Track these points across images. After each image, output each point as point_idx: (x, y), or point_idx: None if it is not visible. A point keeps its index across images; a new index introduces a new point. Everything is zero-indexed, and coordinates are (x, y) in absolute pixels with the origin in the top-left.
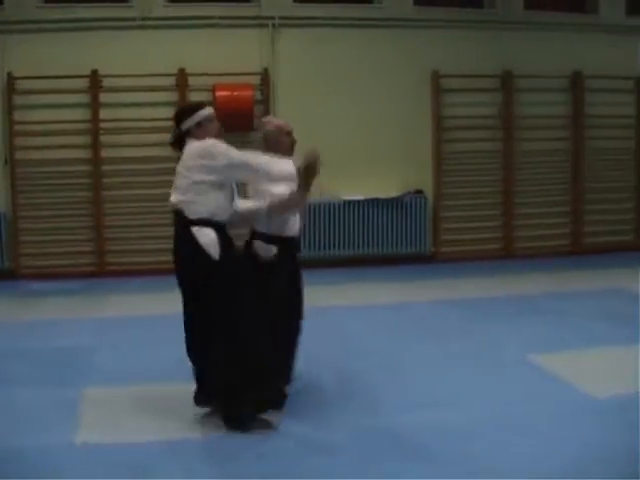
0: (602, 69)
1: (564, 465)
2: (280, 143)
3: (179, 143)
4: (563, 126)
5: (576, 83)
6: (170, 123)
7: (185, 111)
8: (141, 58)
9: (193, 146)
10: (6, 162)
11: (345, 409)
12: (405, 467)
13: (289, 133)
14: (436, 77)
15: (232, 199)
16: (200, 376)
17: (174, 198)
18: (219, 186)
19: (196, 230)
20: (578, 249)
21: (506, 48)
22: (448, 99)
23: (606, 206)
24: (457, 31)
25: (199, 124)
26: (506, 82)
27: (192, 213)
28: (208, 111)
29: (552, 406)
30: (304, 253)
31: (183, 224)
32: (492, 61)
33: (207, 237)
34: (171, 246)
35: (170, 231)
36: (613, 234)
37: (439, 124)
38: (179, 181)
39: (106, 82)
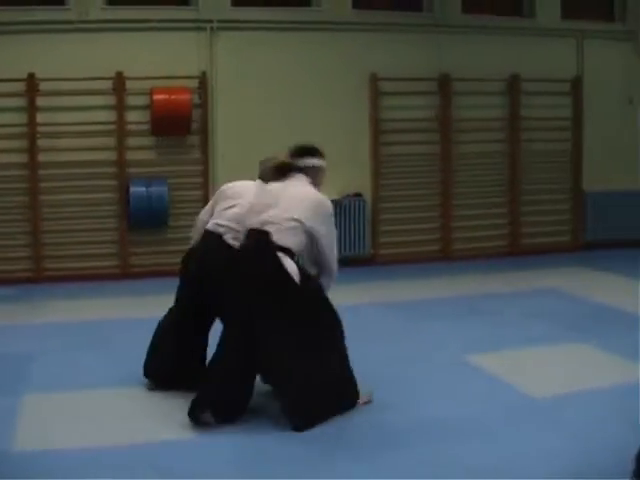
0: (539, 72)
1: (501, 464)
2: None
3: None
4: (500, 129)
5: (513, 86)
6: (107, 127)
7: (314, 151)
8: (78, 61)
9: (310, 191)
10: None
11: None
12: (345, 467)
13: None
14: (374, 80)
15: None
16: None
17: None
18: (306, 235)
19: (282, 256)
20: (516, 250)
21: (444, 51)
22: (386, 102)
23: (543, 207)
24: (395, 34)
25: (319, 170)
26: (444, 85)
27: (281, 241)
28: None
29: (490, 406)
30: None
31: (268, 247)
32: (430, 64)
33: (291, 265)
34: (109, 250)
35: (107, 235)
36: (550, 235)
37: (377, 127)
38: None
39: (43, 86)
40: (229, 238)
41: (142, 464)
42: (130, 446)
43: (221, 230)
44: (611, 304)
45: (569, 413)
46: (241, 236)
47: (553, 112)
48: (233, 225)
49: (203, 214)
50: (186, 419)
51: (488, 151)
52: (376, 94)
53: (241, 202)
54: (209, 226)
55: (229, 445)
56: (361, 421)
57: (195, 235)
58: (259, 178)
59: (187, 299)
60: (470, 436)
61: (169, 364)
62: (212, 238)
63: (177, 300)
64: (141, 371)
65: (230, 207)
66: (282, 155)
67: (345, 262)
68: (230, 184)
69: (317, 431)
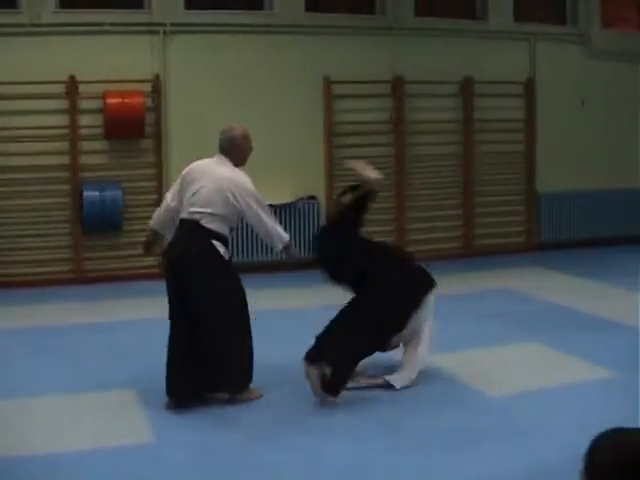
0: (492, 74)
1: (453, 465)
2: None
3: None
4: (454, 131)
5: (466, 88)
6: (59, 131)
7: None
8: (30, 65)
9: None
10: None
11: (239, 421)
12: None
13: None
14: (327, 83)
15: None
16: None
17: None
18: None
19: None
20: (470, 251)
21: (397, 54)
22: (340, 105)
23: (497, 209)
24: (348, 37)
25: None
26: (397, 88)
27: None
28: None
29: (447, 405)
30: None
31: None
32: (383, 67)
33: None
34: (62, 255)
35: (61, 240)
36: (504, 236)
37: (331, 130)
38: None
39: None
40: (205, 222)
41: (102, 469)
42: (89, 451)
43: (196, 217)
44: (563, 304)
45: (523, 413)
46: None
47: (506, 114)
48: (207, 210)
49: (170, 198)
50: (145, 423)
51: (442, 153)
52: (329, 97)
53: (206, 182)
54: (183, 215)
55: (187, 449)
56: (318, 422)
57: (155, 217)
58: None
59: (175, 295)
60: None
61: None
62: (188, 225)
63: (170, 302)
64: (94, 376)
65: (197, 191)
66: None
67: (298, 265)
68: (192, 165)
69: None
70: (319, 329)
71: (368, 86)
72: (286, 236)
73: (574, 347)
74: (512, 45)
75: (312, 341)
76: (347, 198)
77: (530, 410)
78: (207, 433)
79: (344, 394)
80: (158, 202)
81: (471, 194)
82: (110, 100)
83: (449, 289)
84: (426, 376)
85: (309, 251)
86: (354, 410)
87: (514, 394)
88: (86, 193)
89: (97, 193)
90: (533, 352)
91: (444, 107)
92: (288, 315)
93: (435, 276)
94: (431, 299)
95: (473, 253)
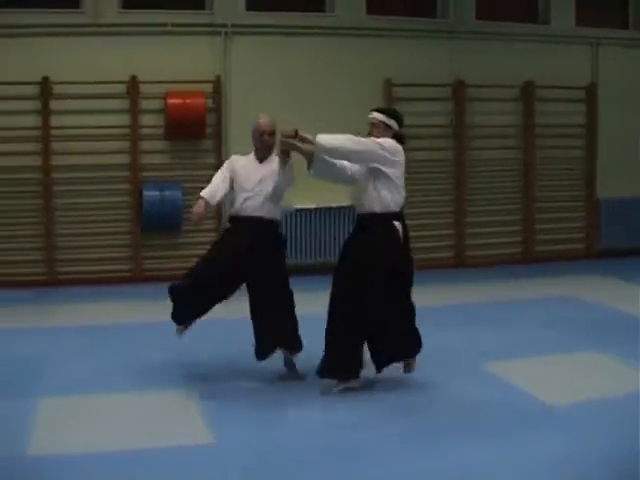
0: (553, 79)
1: (515, 471)
2: (256, 141)
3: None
4: (514, 135)
5: (527, 93)
6: (121, 130)
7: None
8: (93, 65)
9: None
10: None
11: (295, 419)
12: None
13: (263, 133)
14: (388, 86)
15: None
16: None
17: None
18: None
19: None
20: (529, 257)
21: (458, 57)
22: (400, 108)
23: (557, 215)
24: (410, 40)
25: None
26: (458, 91)
27: None
28: None
29: (507, 413)
30: None
31: None
32: (444, 70)
33: None
34: (122, 254)
35: (121, 239)
36: (564, 242)
37: None
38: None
39: (57, 89)
40: None
41: (160, 468)
42: (144, 450)
43: None
44: (624, 312)
45: (583, 421)
46: None
47: (567, 119)
48: None
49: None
50: (205, 424)
51: (502, 158)
52: (390, 100)
53: None
54: None
55: (247, 450)
56: (371, 424)
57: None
58: None
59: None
60: (486, 443)
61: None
62: None
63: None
64: (153, 375)
65: None
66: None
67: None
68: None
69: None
70: None
71: (429, 89)
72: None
73: (636, 356)
74: (574, 49)
75: None
76: None
77: (590, 419)
78: (267, 434)
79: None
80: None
81: (531, 199)
82: (171, 100)
83: (508, 295)
84: (484, 382)
85: None
86: (411, 414)
87: (574, 403)
88: (146, 193)
89: (157, 193)
90: (593, 360)
91: (504, 111)
92: None
93: (494, 281)
94: None
95: (532, 259)
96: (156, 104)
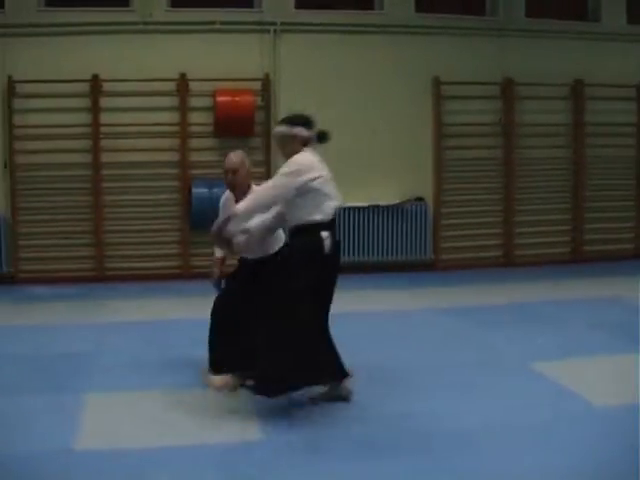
0: (603, 77)
1: (565, 473)
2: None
3: None
4: (564, 134)
5: (577, 91)
6: (170, 128)
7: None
8: (142, 63)
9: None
10: (5, 166)
11: (347, 417)
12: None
13: (227, 172)
14: (437, 84)
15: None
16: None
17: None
18: None
19: None
20: (578, 257)
21: (507, 55)
22: (449, 106)
23: (607, 214)
24: (458, 38)
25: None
26: (507, 89)
27: None
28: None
29: (555, 414)
30: None
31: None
32: (493, 68)
33: None
34: (170, 251)
35: (169, 236)
36: (613, 242)
37: (440, 131)
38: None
39: (107, 86)
40: None
41: (206, 465)
42: (190, 446)
43: None
44: None
45: (628, 423)
46: None
47: (617, 118)
48: None
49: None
50: (254, 421)
51: (551, 156)
52: (439, 98)
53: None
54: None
55: (296, 449)
56: (420, 428)
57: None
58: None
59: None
60: (533, 443)
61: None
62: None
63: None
64: (201, 371)
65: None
66: None
67: (406, 267)
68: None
69: (364, 434)
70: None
71: (477, 88)
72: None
73: None
74: (625, 47)
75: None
76: None
77: (636, 420)
78: (316, 433)
79: None
80: None
81: (580, 199)
82: (220, 98)
83: (556, 295)
84: (531, 382)
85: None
86: (458, 414)
87: (620, 404)
88: (195, 190)
89: (206, 190)
90: None
91: (554, 110)
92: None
93: (543, 281)
94: None
95: (581, 259)
96: (205, 102)
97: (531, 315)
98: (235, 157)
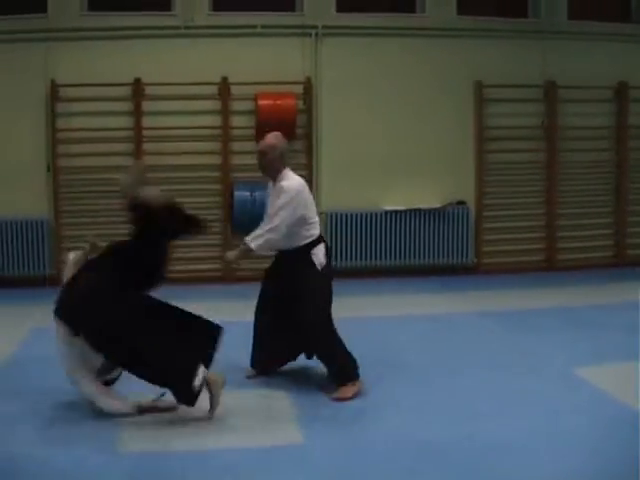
0: None
1: (605, 477)
2: None
3: None
4: (607, 137)
5: (620, 93)
6: (212, 131)
7: None
8: (184, 66)
9: None
10: (49, 169)
11: (384, 420)
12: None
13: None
14: (479, 87)
15: None
16: None
17: None
18: None
19: None
20: (622, 261)
21: (550, 58)
22: (491, 109)
23: None
24: (500, 41)
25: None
26: (549, 92)
27: None
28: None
29: (598, 420)
30: (345, 263)
31: None
32: (535, 71)
33: None
34: (212, 254)
35: (211, 239)
36: None
37: (482, 134)
38: None
39: (149, 90)
40: None
41: (247, 468)
42: (238, 449)
43: None
44: None
45: None
46: None
47: None
48: None
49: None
50: (295, 424)
51: (594, 160)
52: (481, 101)
53: None
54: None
55: (335, 452)
56: (461, 432)
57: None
58: None
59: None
60: (573, 448)
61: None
62: None
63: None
64: (244, 375)
65: None
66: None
67: (447, 270)
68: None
69: (405, 439)
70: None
71: (520, 90)
72: (254, 244)
73: None
74: None
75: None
76: None
77: None
78: (357, 436)
79: None
80: None
81: (623, 202)
82: (262, 102)
83: (600, 299)
84: (574, 388)
85: (458, 257)
86: (500, 416)
87: None
88: (237, 193)
89: (248, 193)
90: None
91: (597, 113)
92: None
93: (586, 285)
94: None
95: (625, 263)
96: (247, 105)
97: (573, 320)
98: (267, 140)
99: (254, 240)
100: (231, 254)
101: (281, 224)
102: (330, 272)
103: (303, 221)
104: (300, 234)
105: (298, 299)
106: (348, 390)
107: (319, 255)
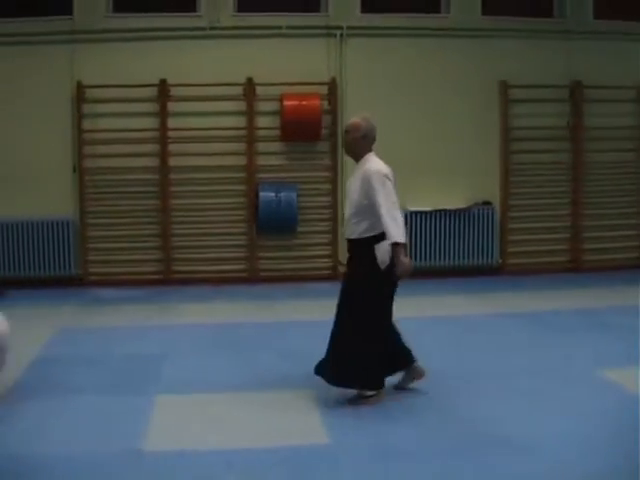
0: None
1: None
2: None
3: None
4: (633, 137)
5: None
6: (237, 132)
7: None
8: (209, 67)
9: None
10: (75, 170)
11: (413, 421)
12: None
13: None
14: (504, 87)
15: None
16: None
17: None
18: None
19: None
20: None
21: (575, 58)
22: (516, 110)
23: None
24: (526, 41)
25: None
26: (575, 92)
27: None
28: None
29: (627, 422)
30: None
31: None
32: (561, 71)
33: None
34: (237, 254)
35: (236, 240)
36: None
37: (507, 135)
38: None
39: (174, 91)
40: None
41: (273, 467)
42: (258, 449)
43: None
44: None
45: None
46: None
47: None
48: None
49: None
50: (319, 424)
51: (620, 160)
52: (506, 101)
53: None
54: None
55: (360, 452)
56: (485, 433)
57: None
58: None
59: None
60: (602, 451)
61: None
62: None
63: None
64: (268, 375)
65: None
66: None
67: (473, 271)
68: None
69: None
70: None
71: (545, 90)
72: (400, 237)
73: None
74: None
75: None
76: None
77: None
78: (382, 436)
79: None
80: (333, 205)
81: None
82: (287, 102)
83: (626, 301)
84: (600, 390)
85: (483, 258)
86: (522, 419)
87: None
88: (262, 194)
89: (273, 194)
90: None
91: (623, 113)
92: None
93: (612, 287)
94: None
95: None
96: (272, 106)
97: (599, 321)
98: (353, 119)
99: (394, 236)
100: (404, 265)
101: (387, 201)
102: (394, 276)
103: (375, 209)
104: (365, 223)
105: (348, 294)
106: (367, 400)
107: (382, 251)
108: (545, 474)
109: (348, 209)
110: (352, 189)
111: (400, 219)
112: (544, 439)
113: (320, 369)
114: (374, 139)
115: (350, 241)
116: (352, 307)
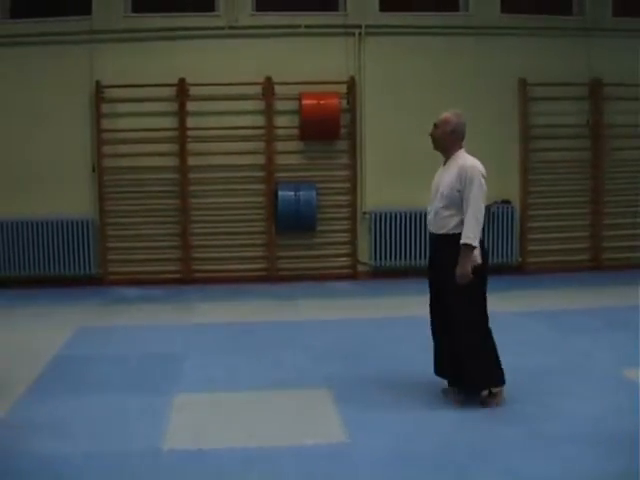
0: None
1: None
2: None
3: None
4: None
5: None
6: (256, 131)
7: None
8: (228, 67)
9: None
10: (94, 169)
11: (431, 423)
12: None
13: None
14: (523, 85)
15: None
16: None
17: None
18: None
19: None
20: None
21: (595, 55)
22: (535, 108)
23: None
24: (545, 38)
25: None
26: (595, 90)
27: None
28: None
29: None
30: (390, 262)
31: None
32: (581, 69)
33: None
34: (256, 253)
35: (255, 239)
36: None
37: (526, 133)
38: None
39: (193, 90)
40: None
41: (291, 467)
42: (277, 448)
43: None
44: None
45: None
46: None
47: None
48: None
49: None
50: (339, 423)
51: None
52: (525, 99)
53: None
54: None
55: (380, 452)
56: (506, 433)
57: None
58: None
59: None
60: (622, 450)
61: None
62: None
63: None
64: (288, 374)
65: None
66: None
67: (492, 270)
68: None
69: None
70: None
71: (565, 88)
72: (474, 240)
73: None
74: None
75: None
76: None
77: None
78: (402, 437)
79: None
80: (352, 203)
81: None
82: (306, 101)
83: None
84: (621, 390)
85: (503, 256)
86: (539, 421)
87: None
88: (281, 193)
89: (292, 193)
90: None
91: None
92: None
93: (632, 285)
94: None
95: None
96: (291, 105)
97: (620, 320)
98: (444, 114)
99: (469, 237)
100: (463, 270)
101: (477, 202)
102: (484, 273)
103: (463, 204)
104: (457, 218)
105: (447, 293)
106: (491, 398)
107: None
108: (564, 472)
109: (437, 202)
110: (444, 183)
111: (482, 224)
112: (564, 437)
113: (448, 375)
114: (463, 135)
115: (438, 236)
116: (460, 305)
